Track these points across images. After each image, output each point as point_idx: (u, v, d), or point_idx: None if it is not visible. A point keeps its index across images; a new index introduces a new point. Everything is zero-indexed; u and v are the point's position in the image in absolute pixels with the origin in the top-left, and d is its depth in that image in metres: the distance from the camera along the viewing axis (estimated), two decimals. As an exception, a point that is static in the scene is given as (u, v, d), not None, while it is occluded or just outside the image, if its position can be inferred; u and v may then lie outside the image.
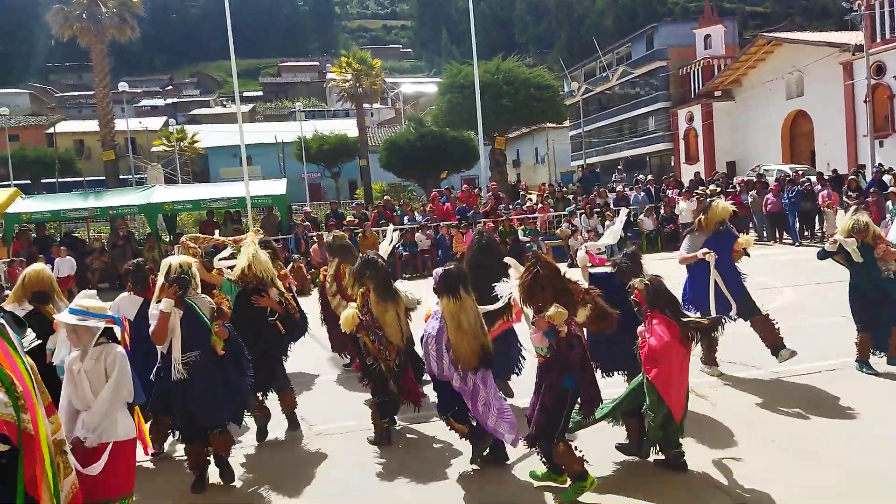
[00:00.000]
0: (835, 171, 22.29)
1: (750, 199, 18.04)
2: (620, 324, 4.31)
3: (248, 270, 5.54)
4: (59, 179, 40.97)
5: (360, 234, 16.17)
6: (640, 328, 4.47)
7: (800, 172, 21.70)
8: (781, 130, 34.77)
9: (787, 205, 17.11)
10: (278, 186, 20.19)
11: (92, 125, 39.65)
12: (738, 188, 19.16)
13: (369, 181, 33.42)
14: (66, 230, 22.53)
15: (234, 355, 4.80)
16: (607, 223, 17.33)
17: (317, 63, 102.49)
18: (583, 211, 18.47)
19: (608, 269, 5.55)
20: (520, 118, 28.25)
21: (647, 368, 4.29)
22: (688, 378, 4.44)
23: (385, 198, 23.08)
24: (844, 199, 16.86)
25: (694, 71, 39.79)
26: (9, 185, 29.46)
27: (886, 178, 17.17)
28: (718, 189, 18.87)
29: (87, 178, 40.95)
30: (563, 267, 4.55)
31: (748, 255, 6.54)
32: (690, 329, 4.34)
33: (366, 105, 34.61)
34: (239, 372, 4.83)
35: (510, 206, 19.45)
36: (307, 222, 18.57)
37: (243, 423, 5.29)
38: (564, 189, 23.67)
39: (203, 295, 4.77)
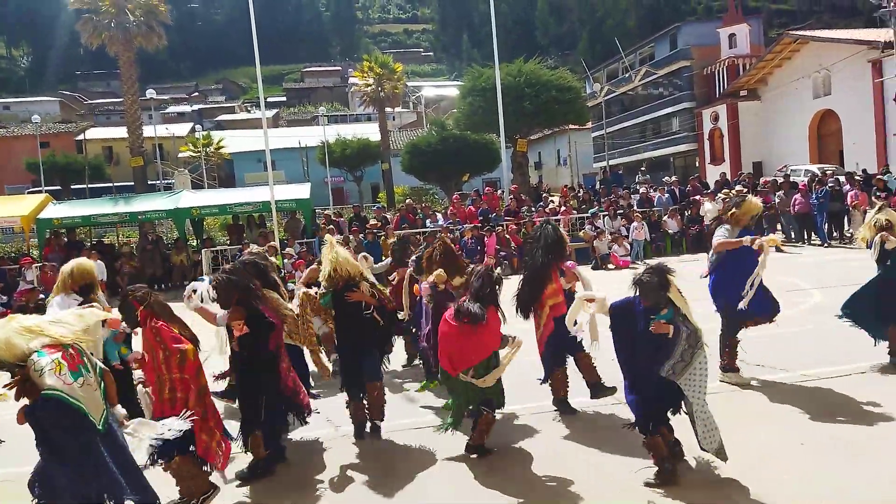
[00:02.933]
0: (864, 170, 21.88)
1: (777, 200, 17.80)
2: (648, 357, 4.34)
3: (335, 273, 5.65)
4: (89, 185, 41.81)
5: (382, 238, 16.28)
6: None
7: (828, 172, 21.34)
8: (809, 130, 34.21)
9: (816, 205, 16.84)
10: (302, 191, 20.37)
11: (120, 132, 40.43)
12: (766, 188, 18.89)
13: (391, 185, 33.57)
14: (96, 235, 22.97)
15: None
16: (634, 224, 17.23)
17: (339, 68, 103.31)
18: (606, 213, 18.36)
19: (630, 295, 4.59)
20: (542, 120, 28.13)
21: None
22: (470, 351, 4.89)
23: (407, 201, 23.16)
24: (873, 198, 16.56)
25: (718, 70, 39.34)
26: (40, 191, 30.20)
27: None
28: (745, 189, 18.65)
29: (116, 184, 41.66)
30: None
31: (781, 251, 6.43)
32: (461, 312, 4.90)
33: (388, 109, 34.78)
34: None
35: (532, 209, 19.41)
36: (330, 225, 18.72)
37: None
38: (588, 192, 23.55)
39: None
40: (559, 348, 5.76)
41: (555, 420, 5.75)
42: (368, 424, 5.75)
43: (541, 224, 6.15)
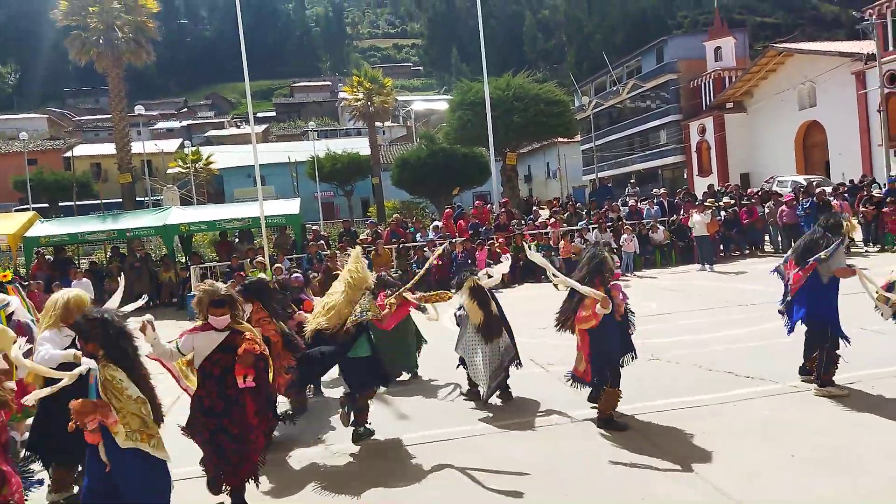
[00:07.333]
0: (851, 180, 22.08)
1: (766, 211, 17.92)
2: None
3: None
4: (77, 202, 41.54)
5: (373, 252, 16.23)
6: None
7: (814, 183, 21.50)
8: (795, 141, 34.59)
9: (802, 216, 16.94)
10: (292, 206, 20.29)
11: (108, 148, 40.24)
12: (753, 200, 19.02)
13: (382, 199, 33.61)
14: (84, 253, 22.78)
15: None
16: (623, 237, 17.25)
17: (329, 83, 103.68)
18: (595, 225, 18.40)
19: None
20: (531, 133, 28.31)
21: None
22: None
23: (395, 215, 23.15)
24: (861, 208, 16.69)
25: (705, 83, 39.76)
26: (27, 209, 29.96)
27: (903, 187, 16.98)
28: (732, 201, 18.77)
29: (104, 201, 41.41)
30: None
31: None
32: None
33: (378, 123, 34.90)
34: None
35: (522, 222, 19.43)
36: (319, 240, 18.64)
37: None
38: (578, 204, 23.62)
39: None
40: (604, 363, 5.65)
41: (552, 431, 5.72)
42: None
43: (594, 245, 6.40)
